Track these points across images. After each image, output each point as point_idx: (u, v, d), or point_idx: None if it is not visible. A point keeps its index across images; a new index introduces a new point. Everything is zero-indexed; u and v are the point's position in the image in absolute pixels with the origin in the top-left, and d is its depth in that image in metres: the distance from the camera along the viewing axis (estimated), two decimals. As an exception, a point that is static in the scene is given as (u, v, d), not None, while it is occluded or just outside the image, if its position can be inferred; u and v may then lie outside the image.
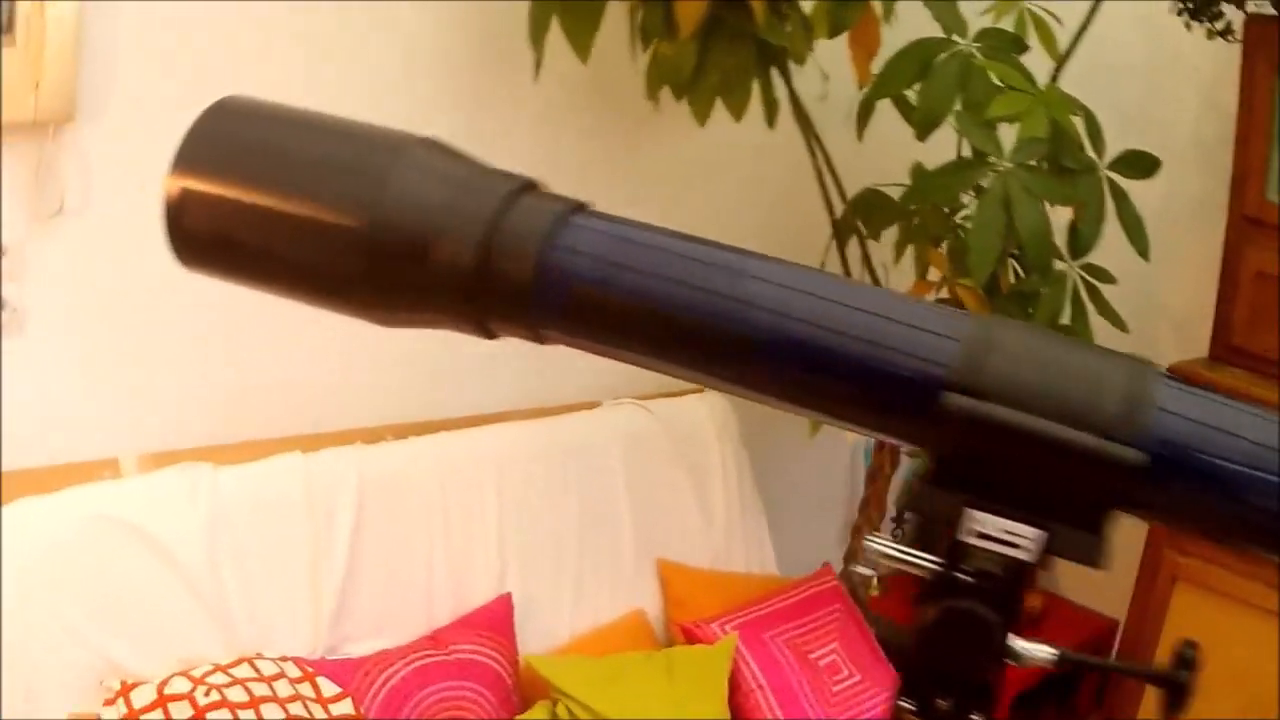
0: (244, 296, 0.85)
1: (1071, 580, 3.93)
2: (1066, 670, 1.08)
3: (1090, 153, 2.68)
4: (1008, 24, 2.66)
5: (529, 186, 0.78)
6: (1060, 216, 2.64)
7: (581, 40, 2.43)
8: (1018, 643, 0.80)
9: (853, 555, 3.24)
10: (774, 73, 2.64)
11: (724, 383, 0.83)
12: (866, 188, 2.84)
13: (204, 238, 0.81)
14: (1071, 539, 0.73)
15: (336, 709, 2.16)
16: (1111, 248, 2.67)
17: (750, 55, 2.56)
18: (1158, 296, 3.11)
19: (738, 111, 2.56)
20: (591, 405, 2.90)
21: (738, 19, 2.44)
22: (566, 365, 2.90)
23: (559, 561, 2.67)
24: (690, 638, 2.66)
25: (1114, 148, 2.69)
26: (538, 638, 2.57)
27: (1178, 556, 3.23)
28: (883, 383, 0.76)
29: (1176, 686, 0.83)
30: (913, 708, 0.80)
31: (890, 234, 2.85)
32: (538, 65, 2.42)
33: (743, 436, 3.12)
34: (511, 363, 2.77)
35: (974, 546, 0.75)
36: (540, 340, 0.80)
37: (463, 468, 2.57)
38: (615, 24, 2.48)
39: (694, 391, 2.98)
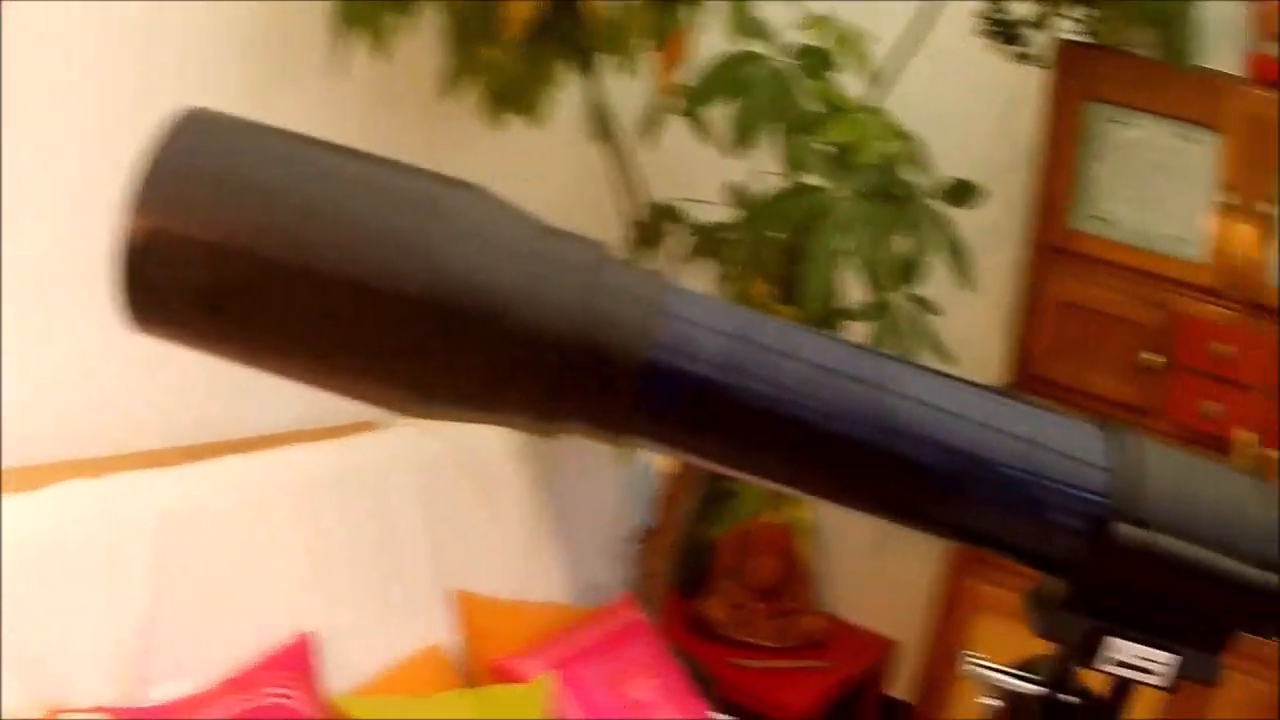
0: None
1: (850, 602, 4.09)
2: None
3: (912, 179, 2.93)
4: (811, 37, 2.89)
5: (603, 253, 0.73)
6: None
7: (382, 41, 2.55)
8: None
9: (642, 580, 3.45)
10: (579, 79, 2.85)
11: (857, 509, 0.82)
12: (660, 202, 3.09)
13: (183, 295, 0.69)
14: (1199, 661, 0.78)
15: None
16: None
17: (564, 61, 2.76)
18: (953, 326, 3.29)
19: (541, 118, 2.76)
20: (372, 425, 2.98)
21: (565, 23, 2.60)
22: None
23: (356, 594, 2.74)
24: (504, 675, 2.77)
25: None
26: (341, 675, 2.64)
27: (981, 585, 3.56)
28: (1033, 513, 0.77)
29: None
30: None
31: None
32: (342, 63, 2.57)
33: (531, 454, 3.26)
34: (271, 384, 2.72)
35: (1098, 671, 0.80)
36: (618, 443, 0.76)
37: (257, 495, 2.62)
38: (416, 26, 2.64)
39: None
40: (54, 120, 2.42)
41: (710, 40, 2.83)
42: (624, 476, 3.82)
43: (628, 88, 2.90)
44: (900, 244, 2.84)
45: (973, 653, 0.92)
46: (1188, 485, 0.80)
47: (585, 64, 2.74)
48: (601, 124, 2.84)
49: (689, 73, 2.81)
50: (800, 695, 3.88)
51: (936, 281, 2.98)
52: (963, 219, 3.14)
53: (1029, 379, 3.46)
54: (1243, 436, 3.35)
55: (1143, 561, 0.77)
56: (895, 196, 2.82)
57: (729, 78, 2.79)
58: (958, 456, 0.76)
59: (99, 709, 2.21)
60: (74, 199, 2.42)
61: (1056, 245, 3.50)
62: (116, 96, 2.49)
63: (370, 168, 0.70)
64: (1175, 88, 3.29)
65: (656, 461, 3.41)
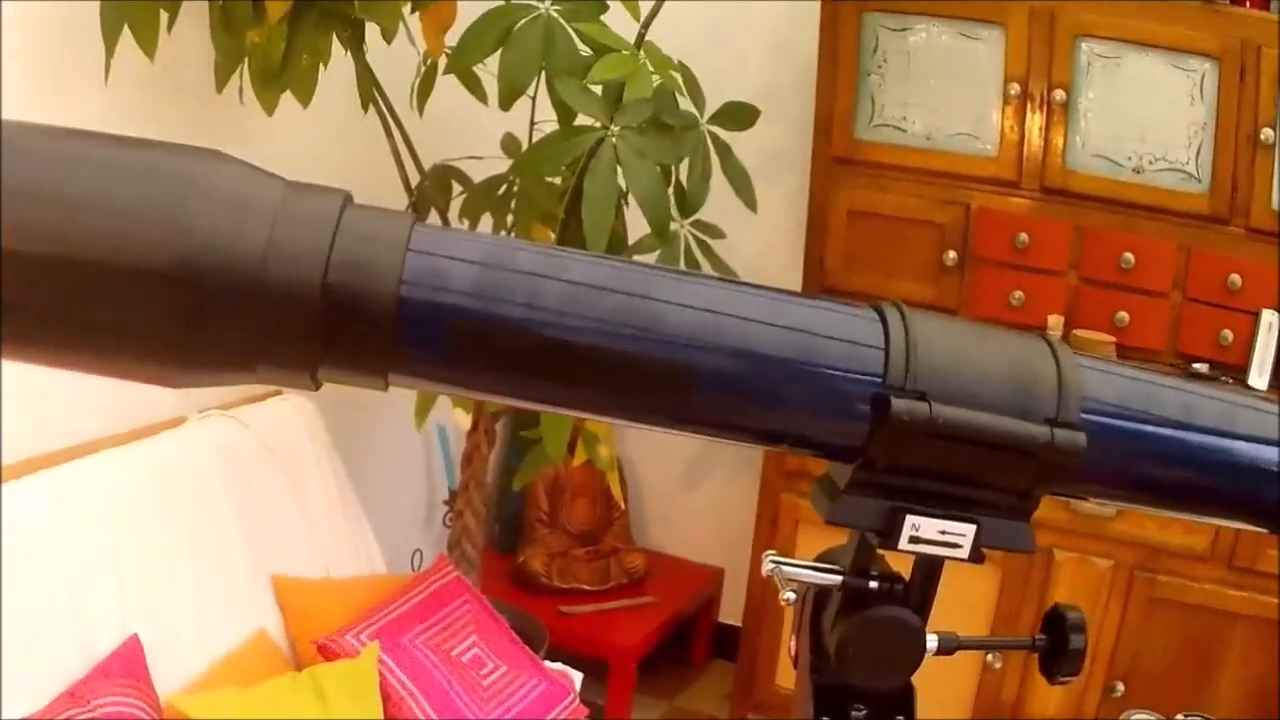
0: None
1: (672, 536, 4.47)
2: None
3: (689, 108, 3.34)
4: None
5: (349, 200, 0.81)
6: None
7: (147, 35, 2.80)
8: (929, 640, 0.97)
9: (457, 540, 3.81)
10: (353, 53, 3.19)
11: (636, 421, 0.90)
12: (438, 163, 3.49)
13: None
14: (1003, 529, 0.90)
15: None
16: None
17: (330, 35, 3.04)
18: (745, 246, 3.62)
19: (307, 97, 3.05)
20: (179, 421, 3.33)
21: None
22: (138, 386, 3.06)
23: (177, 592, 3.06)
24: (328, 654, 3.16)
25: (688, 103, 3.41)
26: (172, 676, 2.94)
27: (799, 500, 4.13)
28: (814, 401, 0.87)
29: (1072, 653, 1.00)
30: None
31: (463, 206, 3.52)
32: (108, 64, 2.79)
33: (329, 433, 3.63)
34: (89, 389, 2.93)
35: (902, 551, 0.90)
36: (385, 385, 0.85)
37: (72, 504, 2.90)
38: (187, 19, 2.94)
39: (275, 394, 3.53)
40: None
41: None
42: (426, 441, 4.05)
43: (403, 55, 3.28)
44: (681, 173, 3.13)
45: (773, 552, 1.02)
46: (961, 353, 0.90)
47: (352, 36, 3.11)
48: (371, 93, 3.25)
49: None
50: (630, 634, 4.41)
51: (733, 206, 3.39)
52: (753, 142, 3.61)
53: (823, 292, 3.85)
54: (1052, 320, 3.69)
55: (926, 434, 0.86)
56: (670, 128, 3.08)
57: (495, 31, 3.13)
58: (729, 355, 0.85)
59: None
60: None
61: (844, 157, 4.05)
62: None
63: (117, 149, 0.78)
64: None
65: (456, 421, 3.66)
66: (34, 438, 3.01)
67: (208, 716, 2.80)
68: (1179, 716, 3.44)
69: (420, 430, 3.57)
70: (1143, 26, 3.67)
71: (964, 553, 0.90)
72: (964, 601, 3.93)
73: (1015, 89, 3.76)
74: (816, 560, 0.98)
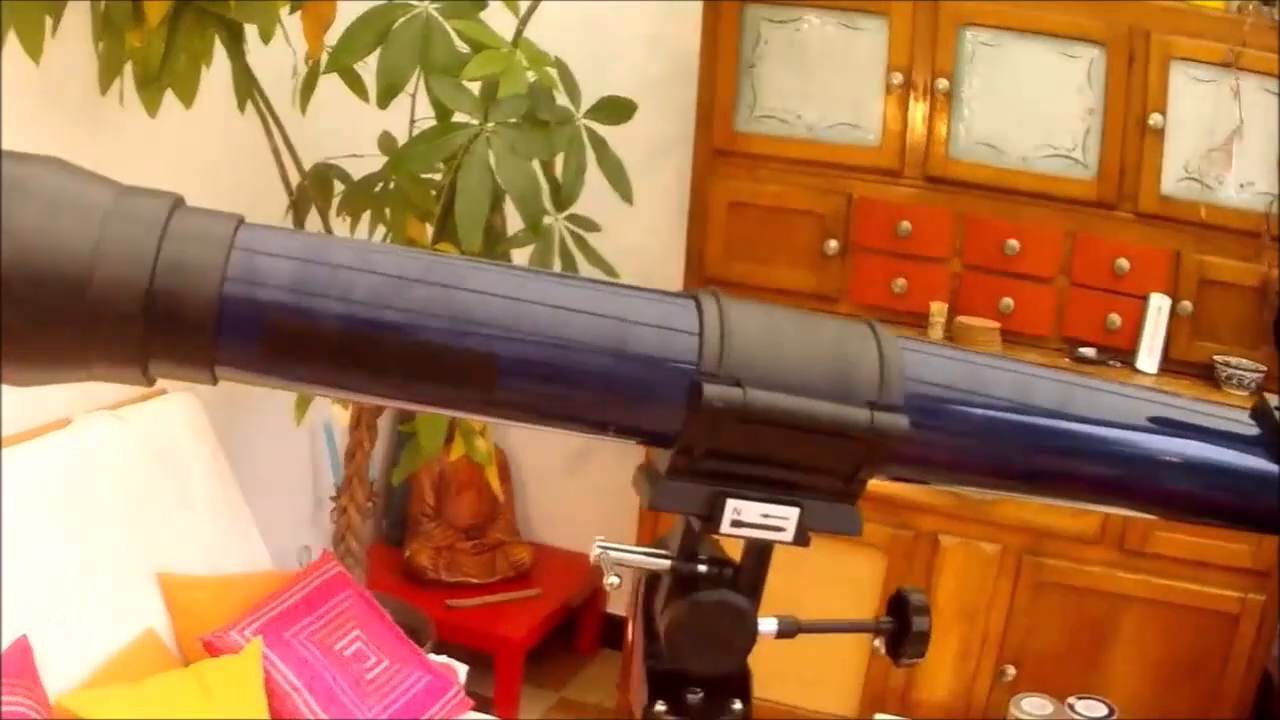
0: None
1: (556, 528, 4.73)
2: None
3: (565, 103, 3.64)
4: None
5: (179, 203, 0.90)
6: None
7: (32, 39, 3.05)
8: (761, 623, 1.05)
9: (341, 535, 4.12)
10: (231, 54, 3.45)
11: (448, 410, 1.00)
12: (319, 162, 3.77)
13: None
14: (829, 512, 0.98)
15: None
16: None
17: (211, 37, 3.30)
18: (627, 238, 3.86)
19: (189, 98, 3.30)
20: (64, 422, 3.57)
21: (205, 2, 3.21)
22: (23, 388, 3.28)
23: (66, 591, 3.32)
24: (213, 650, 3.43)
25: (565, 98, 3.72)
26: (61, 675, 3.19)
27: None
28: (627, 390, 0.95)
29: (916, 635, 1.10)
30: (666, 710, 1.05)
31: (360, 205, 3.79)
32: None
33: (213, 430, 3.91)
34: None
35: (727, 535, 0.98)
36: (214, 380, 0.93)
37: (-45, 508, 3.29)
38: (70, 22, 3.17)
39: (159, 393, 3.82)
40: None
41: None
42: (312, 439, 4.49)
43: (284, 55, 3.55)
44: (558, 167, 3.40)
45: (602, 537, 1.07)
46: (778, 339, 0.96)
47: (231, 38, 3.37)
48: (248, 93, 3.52)
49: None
50: (516, 626, 4.70)
51: (615, 198, 3.70)
52: (634, 134, 3.92)
53: (705, 282, 4.15)
54: (935, 307, 3.94)
55: (742, 420, 0.92)
56: (545, 123, 3.32)
57: (373, 30, 3.43)
58: (535, 343, 0.92)
59: None
60: None
61: (725, 148, 4.37)
62: None
63: None
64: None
65: (337, 418, 3.87)
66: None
67: (96, 716, 3.07)
68: (1071, 699, 3.70)
69: (299, 425, 3.85)
70: (1028, 14, 3.98)
71: (788, 536, 0.98)
72: (850, 588, 4.26)
73: (898, 78, 4.06)
74: (654, 545, 1.05)
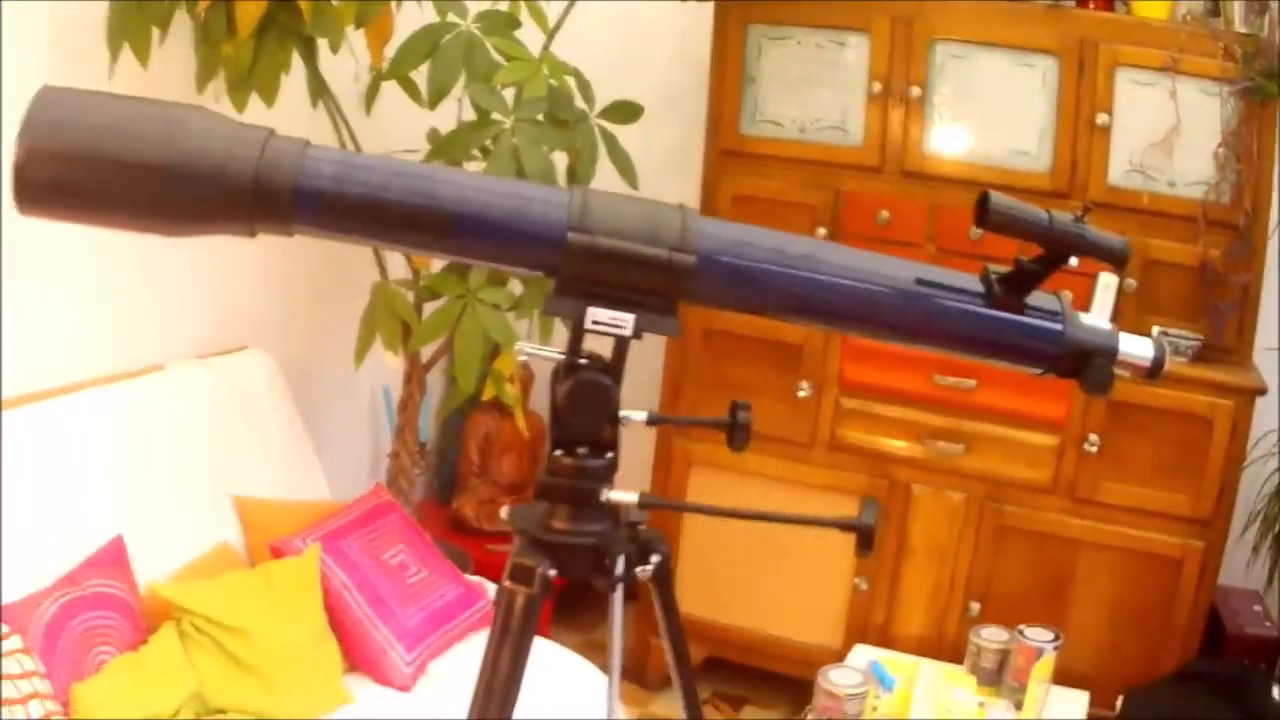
0: None
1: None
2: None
3: (582, 105, 4.21)
4: (503, 6, 4.16)
5: (272, 133, 1.53)
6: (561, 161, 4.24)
7: (141, 48, 3.63)
8: (628, 414, 1.69)
9: (393, 477, 4.70)
10: (306, 62, 4.02)
11: (420, 249, 1.92)
12: (379, 155, 4.01)
13: (44, 187, 1.46)
14: (654, 320, 1.59)
15: (7, 645, 3.21)
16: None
17: (290, 48, 3.86)
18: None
19: (271, 98, 3.82)
20: (158, 367, 4.16)
21: (287, 17, 3.74)
22: (131, 336, 4.15)
23: (154, 505, 3.90)
24: (278, 553, 3.98)
25: (601, 103, 4.28)
26: (149, 571, 3.75)
27: (689, 444, 4.98)
28: (526, 237, 1.58)
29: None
30: (563, 454, 1.67)
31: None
32: (111, 66, 3.63)
33: (287, 384, 4.49)
34: (84, 338, 4.00)
35: (591, 333, 1.58)
36: (291, 233, 1.55)
37: (68, 431, 3.74)
38: (173, 34, 3.74)
39: (241, 349, 4.42)
40: None
41: (418, 16, 4.09)
42: (372, 402, 5.19)
43: (348, 67, 4.13)
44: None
45: (525, 343, 1.73)
46: (618, 207, 1.58)
47: (306, 49, 3.93)
48: (320, 94, 4.10)
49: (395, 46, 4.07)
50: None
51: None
52: (657, 139, 4.63)
53: None
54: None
55: (591, 254, 1.55)
56: (564, 121, 3.87)
57: (425, 45, 4.02)
58: (470, 207, 1.57)
59: None
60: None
61: (730, 149, 4.88)
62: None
63: (142, 103, 1.53)
64: (820, 3, 4.63)
65: (393, 367, 4.57)
66: (39, 376, 3.80)
67: (178, 599, 3.59)
68: (1020, 627, 4.17)
69: (358, 369, 4.33)
70: (991, 29, 4.45)
71: (628, 332, 1.58)
72: (833, 534, 4.59)
73: (878, 87, 4.56)
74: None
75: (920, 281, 1.68)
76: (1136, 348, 1.75)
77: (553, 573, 1.68)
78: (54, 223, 1.55)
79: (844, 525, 1.73)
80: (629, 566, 1.73)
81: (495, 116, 3.97)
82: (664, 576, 1.82)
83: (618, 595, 1.76)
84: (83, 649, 3.35)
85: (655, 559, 1.77)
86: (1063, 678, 4.30)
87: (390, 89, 4.12)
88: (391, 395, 5.06)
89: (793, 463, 4.80)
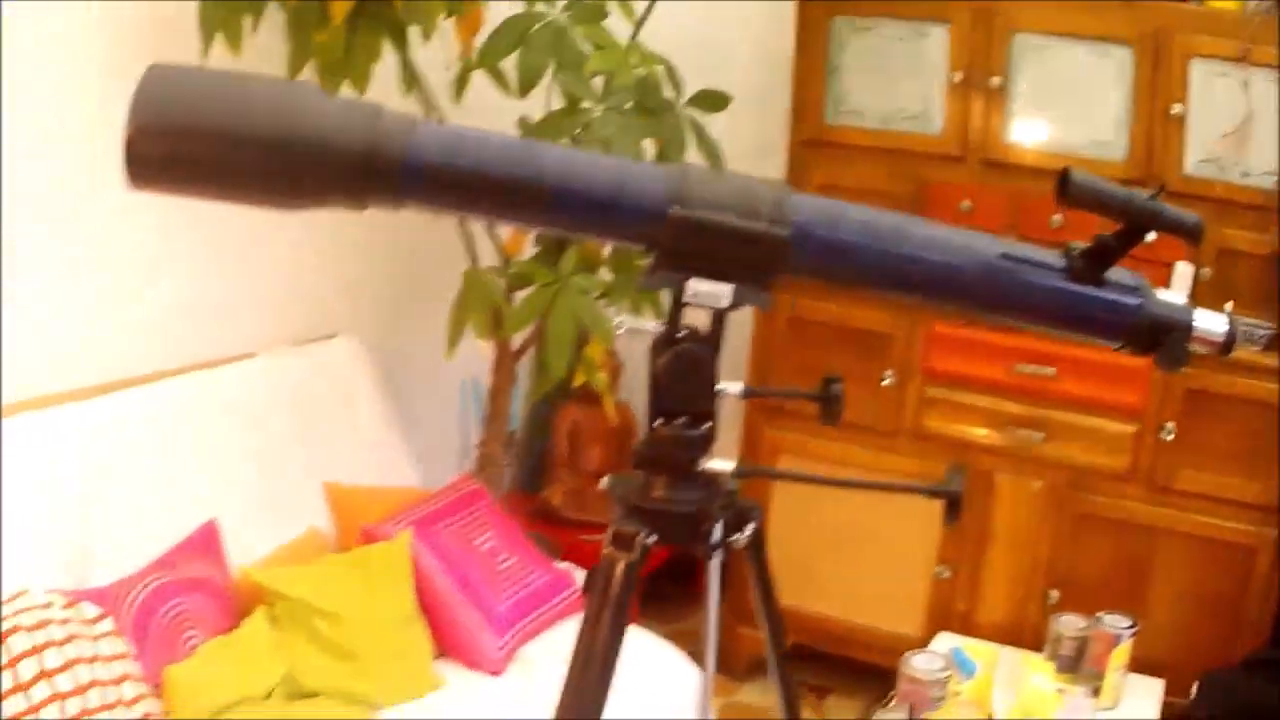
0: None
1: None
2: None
3: (670, 94, 4.17)
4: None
5: (382, 108, 1.54)
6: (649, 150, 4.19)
7: (233, 36, 3.62)
8: (724, 386, 1.67)
9: (482, 465, 4.67)
10: (398, 50, 4.00)
11: (524, 223, 1.90)
12: None
13: (157, 162, 1.48)
14: (750, 294, 1.59)
15: (100, 628, 3.24)
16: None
17: (383, 36, 3.84)
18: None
19: (363, 86, 3.80)
20: (252, 354, 4.17)
21: (379, 6, 3.73)
22: (224, 323, 4.16)
23: (246, 490, 3.92)
24: (370, 538, 3.96)
25: (688, 93, 4.25)
26: (241, 555, 3.76)
27: (776, 433, 4.94)
28: (629, 210, 1.57)
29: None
30: (662, 424, 1.66)
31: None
32: (204, 55, 3.59)
33: (377, 372, 4.50)
34: (179, 325, 4.02)
35: (690, 305, 1.58)
36: (400, 207, 1.56)
37: (162, 416, 3.77)
38: (265, 22, 3.73)
39: (332, 337, 4.44)
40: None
41: (507, 6, 4.06)
42: (462, 394, 5.19)
43: (438, 55, 4.10)
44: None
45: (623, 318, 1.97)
46: (716, 183, 1.59)
47: (398, 38, 3.91)
48: (412, 82, 4.07)
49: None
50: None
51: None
52: (743, 130, 4.62)
53: None
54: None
55: (692, 228, 1.55)
56: (652, 110, 3.83)
57: (514, 34, 3.99)
58: (576, 182, 1.57)
59: (56, 591, 3.22)
60: None
61: (814, 139, 4.83)
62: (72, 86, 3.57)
63: (251, 79, 1.53)
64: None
65: (483, 371, 4.60)
66: (141, 360, 3.83)
67: (270, 583, 3.58)
68: (1098, 614, 4.13)
69: (450, 358, 4.23)
70: (1068, 20, 4.38)
71: (726, 303, 1.58)
72: (916, 520, 4.69)
73: (959, 77, 4.50)
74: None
75: (1004, 256, 1.68)
76: (1210, 323, 1.78)
77: (652, 540, 1.69)
78: (165, 197, 1.55)
79: (932, 492, 1.76)
80: (725, 533, 1.74)
81: (584, 105, 3.95)
82: (759, 545, 1.85)
83: (715, 562, 1.78)
84: (175, 632, 3.35)
85: (751, 527, 1.79)
86: (1139, 665, 4.22)
87: (480, 78, 4.09)
88: (480, 386, 5.03)
89: (877, 451, 4.76)
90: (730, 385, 1.72)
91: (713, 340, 1.63)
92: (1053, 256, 1.70)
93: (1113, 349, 1.76)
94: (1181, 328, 1.74)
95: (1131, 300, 1.72)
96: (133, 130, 1.45)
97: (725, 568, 1.80)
